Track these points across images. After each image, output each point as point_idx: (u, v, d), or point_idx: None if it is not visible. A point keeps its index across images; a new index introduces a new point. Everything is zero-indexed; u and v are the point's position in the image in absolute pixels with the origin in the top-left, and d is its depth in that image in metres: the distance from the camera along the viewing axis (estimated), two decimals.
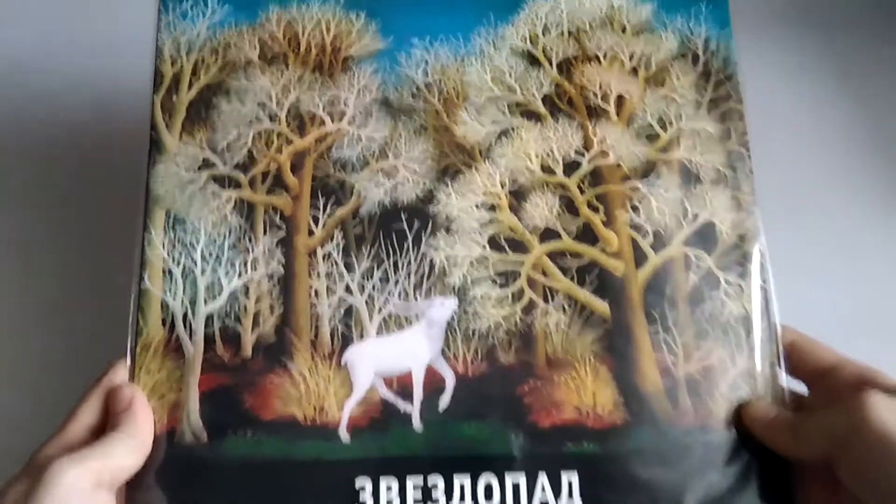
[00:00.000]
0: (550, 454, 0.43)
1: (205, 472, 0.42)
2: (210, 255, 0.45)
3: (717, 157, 0.48)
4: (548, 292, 0.46)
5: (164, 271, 0.45)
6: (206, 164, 0.47)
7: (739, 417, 0.44)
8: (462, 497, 0.42)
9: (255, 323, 0.45)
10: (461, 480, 0.42)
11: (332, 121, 0.48)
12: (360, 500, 0.42)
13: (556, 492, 0.42)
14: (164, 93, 0.47)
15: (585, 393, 0.44)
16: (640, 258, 0.46)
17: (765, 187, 0.52)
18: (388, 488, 0.42)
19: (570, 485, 0.43)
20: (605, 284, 0.46)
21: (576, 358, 0.45)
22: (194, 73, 0.48)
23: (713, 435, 0.44)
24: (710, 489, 0.43)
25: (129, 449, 0.40)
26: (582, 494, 0.43)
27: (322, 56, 0.49)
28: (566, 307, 0.46)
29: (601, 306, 0.46)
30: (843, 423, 0.39)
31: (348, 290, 0.45)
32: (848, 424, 0.39)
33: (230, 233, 0.46)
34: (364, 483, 0.42)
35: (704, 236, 0.47)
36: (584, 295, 0.46)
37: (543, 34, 0.50)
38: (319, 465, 0.42)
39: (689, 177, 0.48)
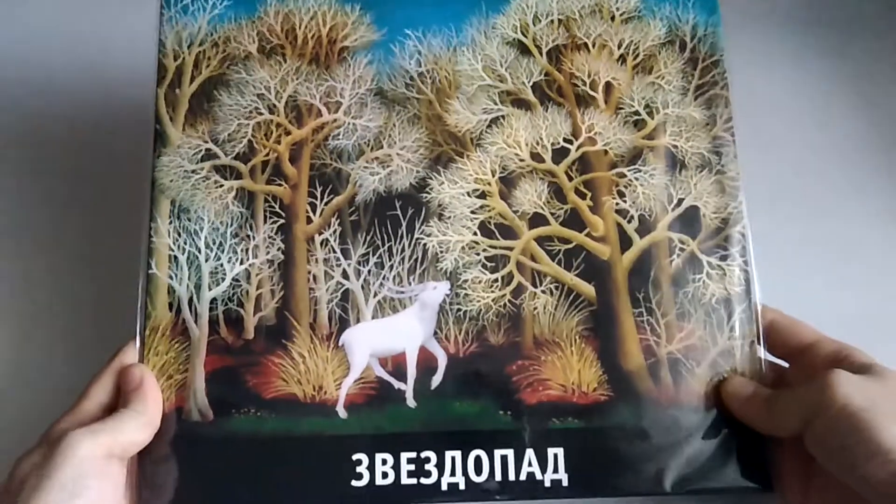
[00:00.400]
0: (537, 429, 0.45)
1: (211, 448, 0.45)
2: (213, 242, 0.47)
3: (703, 143, 0.50)
4: (536, 276, 0.48)
5: (170, 258, 0.47)
6: (209, 154, 0.49)
7: (719, 394, 0.46)
8: (453, 471, 0.45)
9: (257, 306, 0.47)
10: (452, 455, 0.45)
11: (329, 111, 0.50)
12: (357, 472, 0.44)
13: (543, 465, 0.45)
14: (167, 86, 0.49)
15: (571, 371, 0.46)
16: (625, 242, 0.48)
17: (766, 184, 0.53)
18: (384, 462, 0.45)
19: (555, 458, 0.45)
20: (592, 268, 0.48)
21: (562, 338, 0.47)
22: (196, 66, 0.50)
23: (694, 411, 0.46)
24: (691, 463, 0.45)
25: (139, 425, 0.43)
26: (567, 468, 0.45)
27: (318, 48, 0.51)
28: (553, 290, 0.48)
29: (587, 289, 0.48)
30: (812, 399, 0.41)
31: (345, 275, 0.47)
32: (815, 400, 0.41)
33: (232, 221, 0.48)
34: (361, 457, 0.45)
35: (688, 220, 0.49)
36: (571, 278, 0.48)
37: (534, 23, 0.51)
38: (319, 440, 0.45)
39: (675, 162, 0.49)
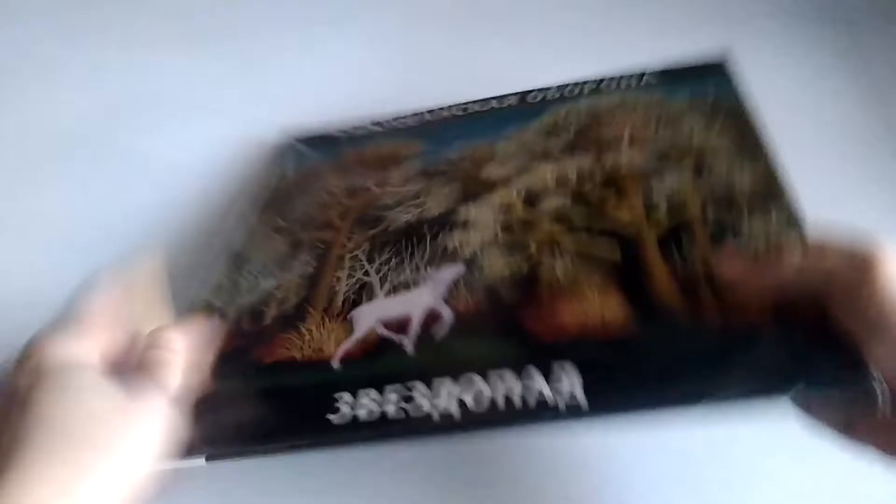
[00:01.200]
0: (551, 359, 0.38)
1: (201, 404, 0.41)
2: (257, 270, 0.51)
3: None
4: (557, 251, 0.45)
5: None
6: (277, 229, 0.56)
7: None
8: (448, 401, 0.37)
9: (280, 304, 0.48)
10: (444, 381, 0.38)
11: (378, 188, 0.56)
12: (335, 407, 0.38)
13: (556, 389, 0.36)
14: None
15: (593, 310, 0.40)
16: (653, 223, 0.45)
17: None
18: (367, 395, 0.39)
19: (571, 381, 0.36)
20: (616, 240, 0.45)
21: (581, 286, 0.42)
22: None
23: (733, 330, 0.37)
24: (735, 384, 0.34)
25: None
26: (587, 393, 0.36)
27: (380, 162, 0.60)
28: (575, 259, 0.44)
29: (611, 254, 0.44)
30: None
31: (366, 273, 0.48)
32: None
33: (279, 257, 0.52)
34: (343, 395, 0.39)
35: (722, 202, 0.45)
36: (594, 248, 0.44)
37: (564, 119, 0.58)
38: (306, 387, 0.41)
39: (702, 168, 0.48)
